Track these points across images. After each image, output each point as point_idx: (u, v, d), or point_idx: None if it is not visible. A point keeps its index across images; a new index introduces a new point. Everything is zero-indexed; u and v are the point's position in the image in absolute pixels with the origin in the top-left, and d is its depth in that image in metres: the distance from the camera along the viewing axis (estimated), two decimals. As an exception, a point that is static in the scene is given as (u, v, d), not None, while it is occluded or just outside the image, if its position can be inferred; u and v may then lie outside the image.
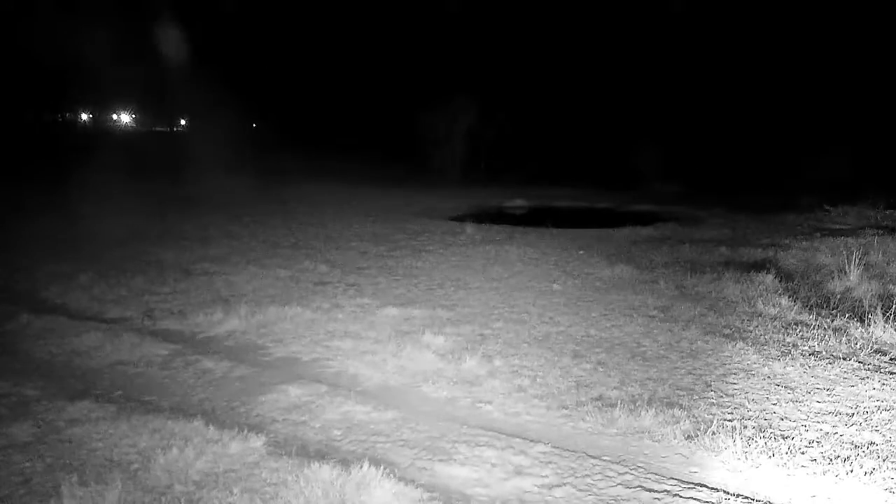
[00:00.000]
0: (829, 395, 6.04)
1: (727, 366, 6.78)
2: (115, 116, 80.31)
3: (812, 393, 6.08)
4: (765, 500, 4.41)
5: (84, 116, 75.53)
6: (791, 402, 5.86)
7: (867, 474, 4.65)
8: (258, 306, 8.61)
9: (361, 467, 4.53)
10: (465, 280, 10.54)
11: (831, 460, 4.85)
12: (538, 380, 6.39)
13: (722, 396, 6.00)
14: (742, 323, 8.26)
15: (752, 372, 6.61)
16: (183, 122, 75.63)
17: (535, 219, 18.38)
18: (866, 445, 5.06)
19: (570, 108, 38.28)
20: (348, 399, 5.88)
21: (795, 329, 7.96)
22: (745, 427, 5.34)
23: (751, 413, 5.65)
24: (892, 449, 5.01)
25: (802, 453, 4.94)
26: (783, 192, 23.81)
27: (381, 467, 4.56)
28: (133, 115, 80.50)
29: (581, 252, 12.87)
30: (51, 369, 6.72)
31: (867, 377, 6.44)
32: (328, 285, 10.10)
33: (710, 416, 5.52)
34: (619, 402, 5.79)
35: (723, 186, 26.91)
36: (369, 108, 43.92)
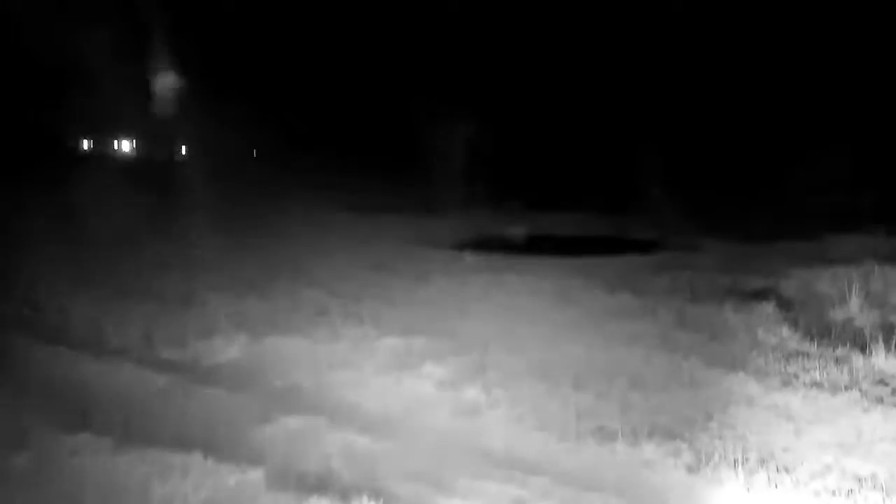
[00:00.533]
0: (831, 426, 5.99)
1: (728, 396, 6.75)
2: (115, 145, 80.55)
3: (814, 424, 6.03)
4: (768, 534, 4.38)
5: (85, 144, 75.77)
6: (793, 434, 5.82)
7: (871, 507, 4.61)
8: (258, 335, 8.58)
9: (361, 500, 4.50)
10: (465, 308, 10.51)
11: (834, 493, 4.81)
12: (538, 410, 6.36)
13: (724, 427, 5.96)
14: (743, 352, 8.21)
15: (754, 402, 6.57)
16: (184, 148, 75.74)
17: (535, 244, 18.37)
18: (870, 478, 5.02)
19: (572, 131, 38.42)
20: (348, 429, 5.85)
21: (797, 359, 7.92)
22: (748, 459, 5.30)
23: (753, 444, 5.60)
24: (896, 481, 4.98)
25: (805, 486, 4.90)
26: (783, 220, 23.80)
27: (381, 500, 4.53)
28: (133, 143, 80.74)
29: (581, 280, 12.84)
30: (49, 397, 6.68)
31: (870, 408, 6.40)
32: (328, 314, 10.05)
33: (712, 448, 5.49)
34: (619, 432, 5.76)
35: (724, 213, 26.90)
36: (369, 130, 44.09)
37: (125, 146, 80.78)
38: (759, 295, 11.24)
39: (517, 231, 23.54)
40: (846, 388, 6.97)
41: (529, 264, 14.85)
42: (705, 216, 26.17)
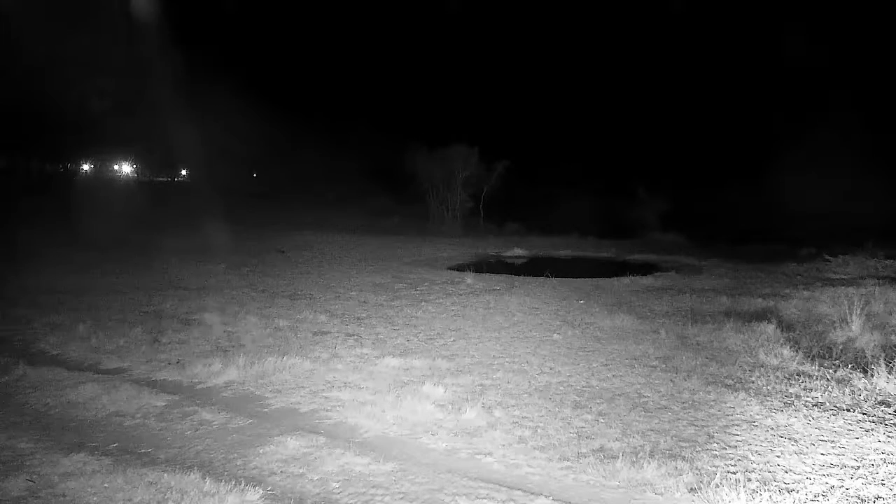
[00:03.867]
0: (833, 447, 5.96)
1: (730, 417, 6.71)
2: (116, 167, 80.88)
3: (816, 445, 6.00)
4: (771, 556, 4.32)
5: (85, 167, 76.06)
6: (795, 455, 5.78)
7: (874, 529, 4.56)
8: (257, 357, 8.56)
9: (360, 521, 4.46)
10: (464, 330, 10.50)
11: (838, 514, 4.76)
12: (539, 431, 6.32)
13: (725, 448, 5.93)
14: (744, 373, 8.19)
15: (756, 423, 6.54)
16: (184, 171, 76.12)
17: (534, 268, 18.39)
18: (873, 500, 4.98)
19: (571, 159, 38.65)
20: (347, 450, 5.81)
21: (798, 380, 7.89)
22: (749, 479, 5.26)
23: (754, 465, 5.56)
24: (899, 502, 4.93)
25: (808, 507, 4.86)
26: (783, 242, 23.85)
27: (380, 521, 4.48)
28: (134, 166, 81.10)
29: (581, 302, 12.84)
30: (46, 421, 6.66)
31: (872, 429, 6.37)
32: (327, 335, 10.06)
33: (714, 469, 5.45)
34: (620, 453, 5.72)
35: (722, 236, 26.95)
36: (369, 158, 44.30)
37: (126, 168, 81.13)
38: (760, 316, 11.23)
39: (517, 253, 23.61)
40: (848, 409, 6.95)
41: (529, 286, 14.85)
42: (705, 239, 26.27)
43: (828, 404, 7.08)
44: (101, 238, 21.82)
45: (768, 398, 7.25)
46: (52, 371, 8.07)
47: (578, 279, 16.03)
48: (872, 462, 5.63)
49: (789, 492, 5.06)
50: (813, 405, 7.04)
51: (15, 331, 10.23)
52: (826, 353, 9.29)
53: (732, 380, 7.94)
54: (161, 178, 76.10)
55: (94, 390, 7.36)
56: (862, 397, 7.28)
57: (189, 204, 34.64)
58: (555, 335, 10.21)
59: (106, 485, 5.11)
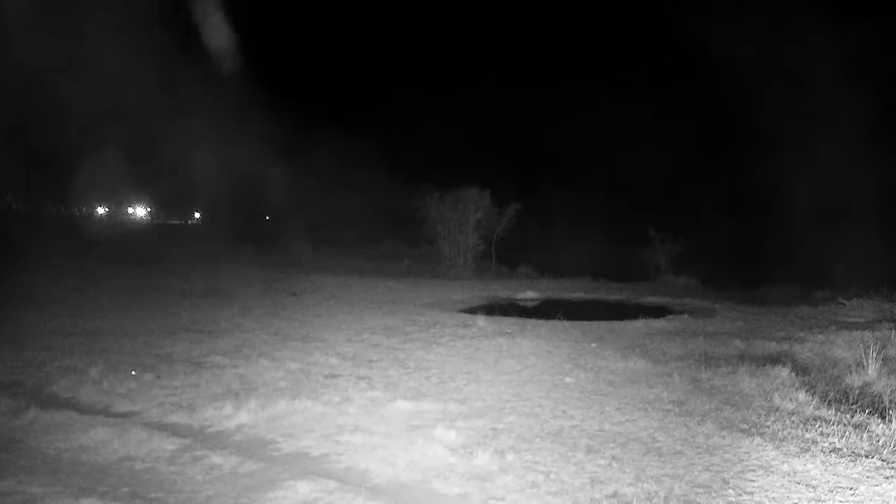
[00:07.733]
0: (852, 494, 5.85)
1: (745, 462, 6.62)
2: (130, 210, 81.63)
3: (835, 492, 5.90)
4: None
5: (100, 210, 76.74)
6: (814, 502, 5.69)
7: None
8: (268, 400, 8.53)
9: (371, 569, 4.40)
10: (476, 373, 10.45)
11: (858, 563, 4.67)
12: (552, 476, 6.25)
13: (741, 494, 5.84)
14: (759, 418, 8.10)
15: (772, 469, 6.45)
16: (197, 214, 76.76)
17: (546, 311, 18.35)
18: (893, 547, 4.89)
19: (582, 200, 38.76)
20: (358, 495, 5.76)
21: (814, 425, 7.79)
22: (767, 527, 5.17)
23: (772, 512, 5.48)
24: (921, 551, 4.83)
25: (827, 555, 4.77)
26: (796, 286, 23.71)
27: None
28: (148, 209, 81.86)
29: (594, 345, 12.78)
30: (57, 466, 6.63)
31: (892, 476, 6.25)
32: (339, 378, 10.03)
33: (730, 516, 5.37)
34: (634, 499, 5.65)
35: (735, 279, 26.82)
36: (380, 201, 44.49)
37: (140, 211, 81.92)
38: (774, 360, 11.13)
39: (529, 296, 23.56)
40: (867, 455, 6.84)
41: (541, 329, 14.79)
42: (718, 283, 26.17)
43: (845, 450, 6.97)
44: (114, 282, 21.93)
45: (784, 443, 7.15)
46: (63, 414, 8.06)
47: (591, 322, 15.97)
48: (892, 509, 5.54)
49: (808, 540, 4.98)
50: (830, 451, 6.93)
51: (27, 374, 10.23)
52: (842, 397, 9.19)
53: (748, 424, 7.85)
54: (174, 221, 76.78)
55: (105, 434, 7.34)
56: (881, 443, 7.18)
57: (201, 246, 34.82)
58: (567, 378, 10.15)
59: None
